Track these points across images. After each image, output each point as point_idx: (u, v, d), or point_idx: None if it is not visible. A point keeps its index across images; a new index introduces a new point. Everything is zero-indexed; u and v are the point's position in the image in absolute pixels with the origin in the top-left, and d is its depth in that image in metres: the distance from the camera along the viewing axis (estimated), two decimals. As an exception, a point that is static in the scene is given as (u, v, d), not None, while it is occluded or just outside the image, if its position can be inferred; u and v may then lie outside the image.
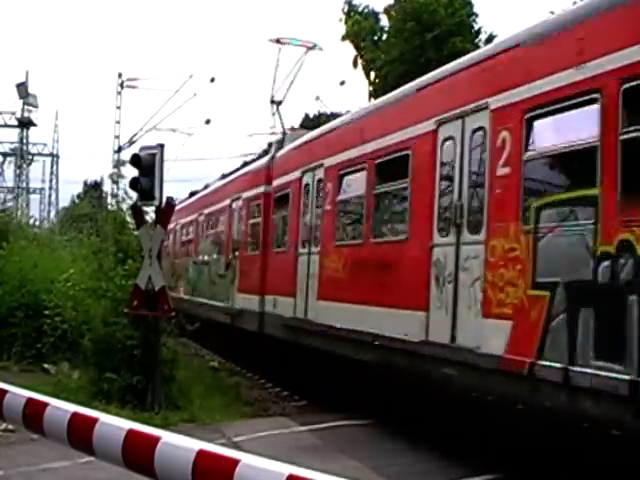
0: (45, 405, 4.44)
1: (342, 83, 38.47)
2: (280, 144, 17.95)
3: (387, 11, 36.56)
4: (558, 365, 7.19)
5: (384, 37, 36.75)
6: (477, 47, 32.62)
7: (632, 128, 6.68)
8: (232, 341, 19.99)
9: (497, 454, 8.70)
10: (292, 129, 20.33)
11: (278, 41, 20.61)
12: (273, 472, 2.99)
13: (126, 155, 23.38)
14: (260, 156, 20.42)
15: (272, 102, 20.95)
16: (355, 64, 36.88)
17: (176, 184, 32.55)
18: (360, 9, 38.04)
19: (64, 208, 65.20)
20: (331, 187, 13.32)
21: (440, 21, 32.85)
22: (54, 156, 63.43)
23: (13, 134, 59.01)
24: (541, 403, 7.65)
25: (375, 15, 37.77)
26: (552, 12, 8.46)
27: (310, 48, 20.59)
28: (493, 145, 8.66)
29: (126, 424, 3.89)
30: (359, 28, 36.71)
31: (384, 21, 37.45)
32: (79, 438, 4.13)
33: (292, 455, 8.21)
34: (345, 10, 38.00)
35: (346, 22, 37.65)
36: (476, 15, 35.76)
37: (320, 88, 35.32)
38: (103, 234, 16.64)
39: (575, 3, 8.74)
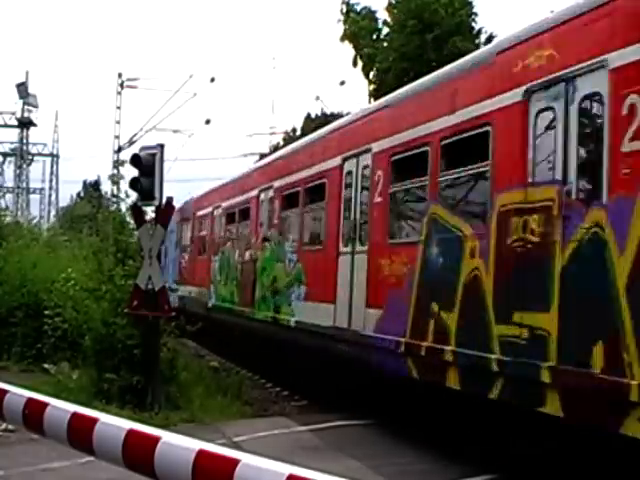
0: (45, 405, 4.44)
1: (342, 83, 38.60)
2: None
3: (389, 9, 36.49)
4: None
5: (384, 31, 36.70)
6: (477, 47, 32.59)
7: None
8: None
9: (496, 454, 8.70)
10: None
11: None
12: (273, 472, 2.99)
13: (126, 155, 23.38)
14: None
15: None
16: (355, 63, 36.85)
17: (176, 184, 32.58)
18: (359, 9, 37.99)
19: (63, 208, 65.29)
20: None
21: (440, 21, 32.81)
22: (54, 156, 63.54)
23: (13, 134, 59.14)
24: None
25: (373, 14, 37.73)
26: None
27: None
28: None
29: (126, 424, 3.89)
30: (358, 28, 36.67)
31: (385, 16, 37.41)
32: (79, 438, 4.14)
33: (292, 455, 8.23)
34: (344, 10, 37.95)
35: (345, 22, 37.61)
36: (476, 15, 35.73)
37: (320, 88, 35.35)
38: (103, 234, 16.63)
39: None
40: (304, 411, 13.26)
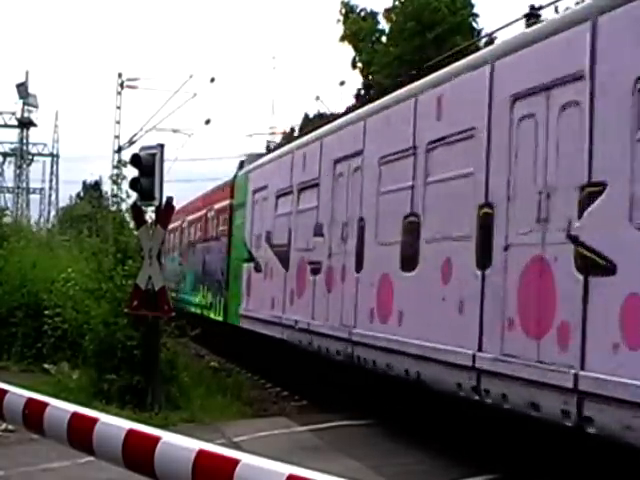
0: (45, 405, 4.44)
1: (342, 83, 38.63)
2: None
3: (387, 14, 36.47)
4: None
5: (383, 39, 36.71)
6: (477, 47, 32.56)
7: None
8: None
9: (496, 454, 8.70)
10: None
11: None
12: (273, 472, 2.99)
13: (126, 155, 23.38)
14: None
15: None
16: (354, 65, 36.88)
17: (176, 184, 32.55)
18: (358, 10, 38.02)
19: (63, 208, 65.25)
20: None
21: (442, 20, 32.82)
22: (54, 156, 63.40)
23: (13, 134, 59.06)
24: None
25: (373, 16, 37.73)
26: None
27: None
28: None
29: (126, 424, 3.89)
30: (357, 29, 36.68)
31: (383, 23, 37.42)
32: (79, 438, 4.13)
33: (292, 455, 8.21)
34: (343, 11, 37.96)
35: (344, 23, 37.61)
36: (476, 15, 35.76)
37: (320, 88, 35.34)
38: (103, 234, 16.63)
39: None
40: (304, 411, 13.27)
